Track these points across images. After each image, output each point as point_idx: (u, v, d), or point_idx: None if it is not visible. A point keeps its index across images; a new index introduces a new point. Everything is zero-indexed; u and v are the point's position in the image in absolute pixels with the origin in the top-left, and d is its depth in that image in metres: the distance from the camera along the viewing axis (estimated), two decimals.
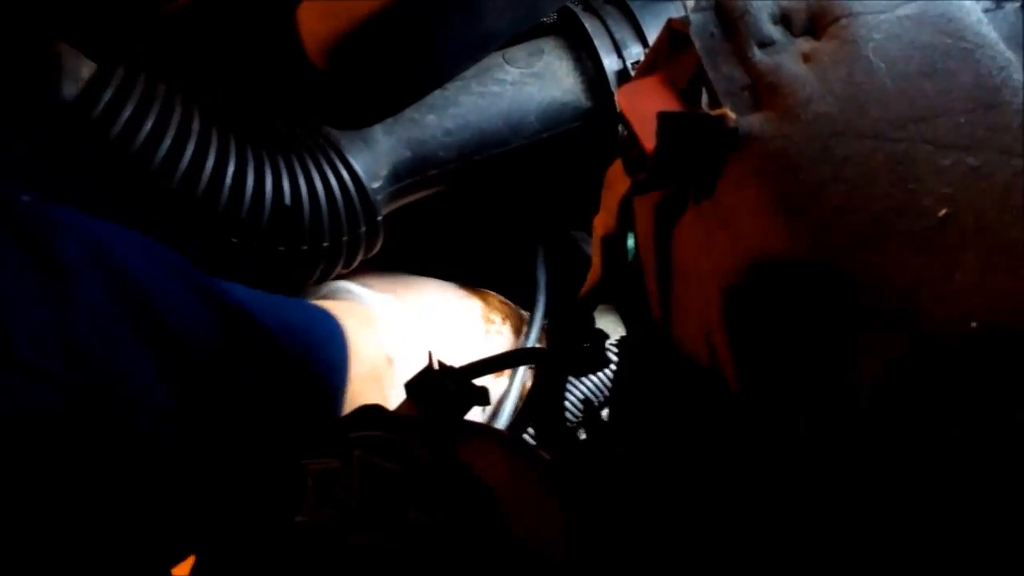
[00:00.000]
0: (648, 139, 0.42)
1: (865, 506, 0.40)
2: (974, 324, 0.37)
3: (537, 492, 0.54)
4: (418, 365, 0.61)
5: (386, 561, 0.49)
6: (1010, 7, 0.44)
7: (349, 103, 0.79)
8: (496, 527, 0.52)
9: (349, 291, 0.88)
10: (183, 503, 0.63)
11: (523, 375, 0.91)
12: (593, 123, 0.86)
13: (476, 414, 0.80)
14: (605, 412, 0.68)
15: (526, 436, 0.88)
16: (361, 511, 0.51)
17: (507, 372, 0.91)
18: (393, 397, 0.82)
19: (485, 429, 0.62)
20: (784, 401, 0.42)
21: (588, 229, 0.99)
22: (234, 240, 0.76)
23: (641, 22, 0.85)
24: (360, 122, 0.80)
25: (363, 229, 0.81)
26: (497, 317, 0.96)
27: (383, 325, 0.87)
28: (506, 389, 0.90)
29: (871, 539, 0.40)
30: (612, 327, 0.72)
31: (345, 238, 0.80)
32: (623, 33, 0.85)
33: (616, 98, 0.80)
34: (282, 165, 0.77)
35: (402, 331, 0.87)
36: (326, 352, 0.79)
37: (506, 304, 0.99)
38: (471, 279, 1.00)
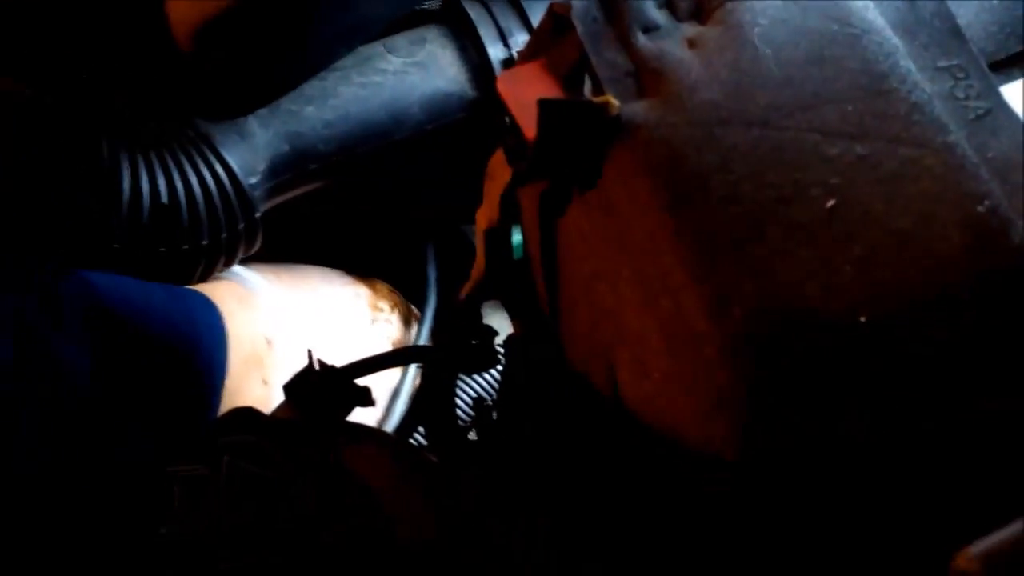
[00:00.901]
0: (529, 127, 0.40)
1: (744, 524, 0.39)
2: (863, 319, 0.36)
3: (420, 496, 0.52)
4: (300, 349, 0.59)
5: None
6: None
7: (219, 92, 0.75)
8: (380, 532, 0.50)
9: (229, 271, 0.85)
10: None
11: (415, 372, 0.88)
12: (479, 114, 0.84)
13: (367, 413, 0.78)
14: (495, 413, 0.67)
15: (417, 436, 0.86)
16: (230, 520, 0.48)
17: (399, 368, 0.89)
18: (275, 381, 0.80)
19: (368, 431, 0.60)
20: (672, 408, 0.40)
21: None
22: (116, 246, 0.73)
23: (527, 10, 0.83)
24: (232, 112, 0.76)
25: (241, 226, 0.77)
26: (385, 305, 0.94)
27: (263, 306, 0.84)
28: (397, 386, 0.88)
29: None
30: (501, 324, 0.70)
31: (224, 235, 0.77)
32: (509, 21, 0.83)
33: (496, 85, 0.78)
34: (155, 161, 0.73)
35: (283, 312, 0.85)
36: (204, 339, 0.77)
37: (395, 293, 0.97)
38: (361, 270, 0.98)
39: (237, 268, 0.85)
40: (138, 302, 0.73)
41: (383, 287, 0.97)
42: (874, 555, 0.38)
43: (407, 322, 0.95)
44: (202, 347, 0.77)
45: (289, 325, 0.85)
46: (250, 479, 0.50)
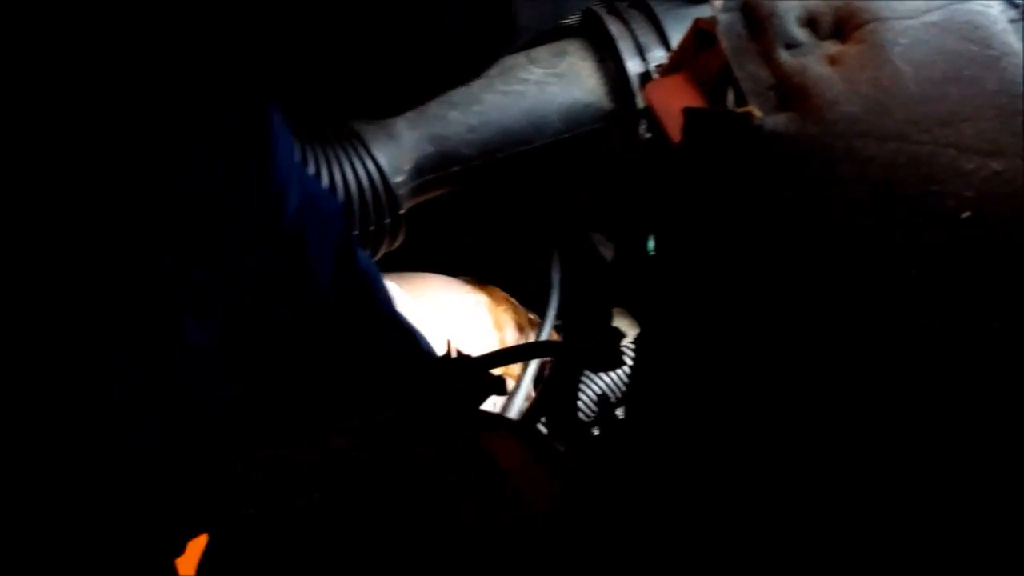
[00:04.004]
0: (675, 133, 0.42)
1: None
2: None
3: (547, 476, 0.54)
4: None
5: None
6: None
7: (372, 93, 0.79)
8: (508, 503, 0.53)
9: None
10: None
11: (534, 370, 0.91)
12: (614, 125, 0.86)
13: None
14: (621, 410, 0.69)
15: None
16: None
17: (518, 367, 0.92)
18: None
19: (499, 418, 0.63)
20: None
21: (604, 231, 0.99)
22: None
23: (664, 26, 0.86)
24: (383, 113, 0.80)
25: (387, 221, 0.81)
26: (503, 312, 0.97)
27: None
28: (516, 384, 0.91)
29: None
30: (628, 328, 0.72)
31: (372, 228, 0.81)
32: (647, 36, 0.86)
33: (643, 93, 0.80)
34: (311, 156, 0.78)
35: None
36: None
37: (510, 300, 1.00)
38: (483, 275, 1.01)
39: None
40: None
41: (500, 294, 1.00)
42: None
43: (521, 328, 0.98)
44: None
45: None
46: (352, 463, 0.53)
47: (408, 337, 0.74)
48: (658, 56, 0.85)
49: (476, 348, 0.91)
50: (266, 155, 0.60)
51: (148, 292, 0.57)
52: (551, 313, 0.98)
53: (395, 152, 0.80)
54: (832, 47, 0.44)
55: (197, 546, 0.59)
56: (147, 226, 0.56)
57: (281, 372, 0.64)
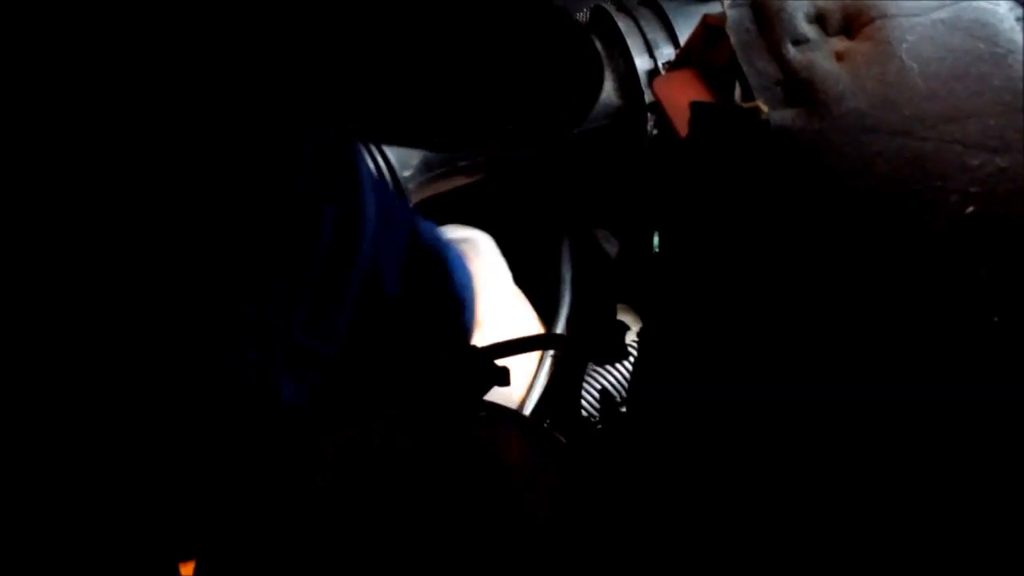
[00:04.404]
0: (682, 127, 0.43)
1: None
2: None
3: (549, 474, 0.55)
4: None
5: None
6: None
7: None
8: (508, 504, 0.53)
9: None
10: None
11: (549, 367, 0.91)
12: (622, 121, 0.86)
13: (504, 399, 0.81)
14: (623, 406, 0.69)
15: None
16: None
17: (535, 361, 0.92)
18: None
19: (503, 411, 0.63)
20: None
21: (612, 227, 0.99)
22: None
23: (674, 23, 0.86)
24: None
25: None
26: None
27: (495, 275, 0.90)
28: (533, 376, 0.91)
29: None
30: (632, 324, 0.72)
31: None
32: (655, 34, 0.86)
33: (651, 87, 0.80)
34: None
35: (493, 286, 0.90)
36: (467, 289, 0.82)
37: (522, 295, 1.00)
38: None
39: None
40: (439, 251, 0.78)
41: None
42: None
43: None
44: (467, 305, 0.81)
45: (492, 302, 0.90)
46: (396, 448, 0.53)
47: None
48: (667, 53, 0.85)
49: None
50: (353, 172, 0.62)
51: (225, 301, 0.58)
52: (563, 311, 0.97)
53: (403, 148, 0.81)
54: (840, 43, 0.44)
55: None
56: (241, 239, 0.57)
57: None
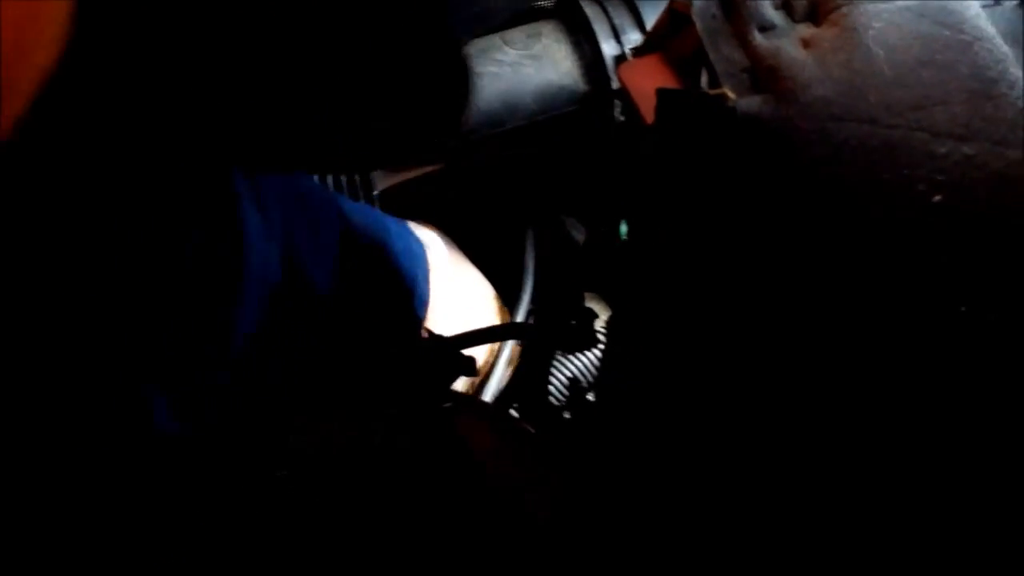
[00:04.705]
0: (648, 114, 0.42)
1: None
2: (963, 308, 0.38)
3: (523, 463, 0.54)
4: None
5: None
6: (1008, 4, 0.45)
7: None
8: (484, 501, 0.53)
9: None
10: None
11: (509, 352, 0.91)
12: (589, 107, 0.86)
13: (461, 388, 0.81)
14: (591, 395, 0.69)
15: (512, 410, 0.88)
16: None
17: (493, 349, 0.92)
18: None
19: (471, 401, 0.63)
20: None
21: (577, 214, 0.99)
22: None
23: (640, 9, 0.86)
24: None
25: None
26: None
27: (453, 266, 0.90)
28: (491, 365, 0.91)
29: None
30: (600, 312, 0.72)
31: None
32: (622, 19, 0.85)
33: (617, 74, 0.80)
34: None
35: (449, 280, 0.90)
36: (420, 273, 0.82)
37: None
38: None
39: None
40: (378, 231, 0.78)
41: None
42: None
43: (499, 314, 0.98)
44: (417, 281, 0.81)
45: (448, 293, 0.89)
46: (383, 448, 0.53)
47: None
48: (633, 39, 0.85)
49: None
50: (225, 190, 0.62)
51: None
52: (525, 297, 0.97)
53: None
54: (806, 30, 0.44)
55: None
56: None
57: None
